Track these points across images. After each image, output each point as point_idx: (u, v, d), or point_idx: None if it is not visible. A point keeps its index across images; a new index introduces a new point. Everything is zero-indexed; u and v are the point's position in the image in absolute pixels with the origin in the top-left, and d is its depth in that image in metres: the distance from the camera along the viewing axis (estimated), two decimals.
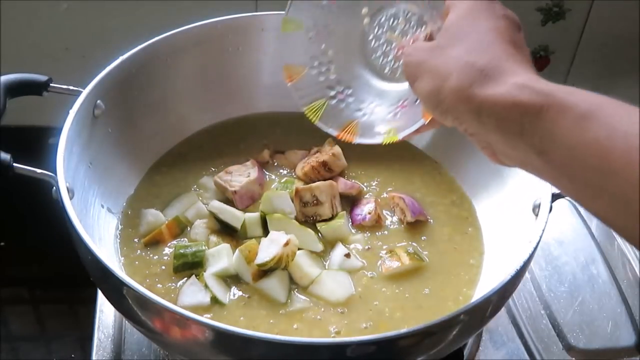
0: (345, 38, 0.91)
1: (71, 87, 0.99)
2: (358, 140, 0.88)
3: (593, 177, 0.57)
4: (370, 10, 0.89)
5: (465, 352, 1.05)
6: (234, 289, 0.94)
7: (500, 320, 1.10)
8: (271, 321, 0.90)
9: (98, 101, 1.00)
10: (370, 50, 0.90)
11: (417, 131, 0.82)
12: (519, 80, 0.62)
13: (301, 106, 0.92)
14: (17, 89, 0.96)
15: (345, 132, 0.89)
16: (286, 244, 0.92)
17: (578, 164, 0.57)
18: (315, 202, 1.02)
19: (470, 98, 0.63)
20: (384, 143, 0.85)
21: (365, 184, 1.10)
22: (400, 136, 0.83)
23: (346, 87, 0.91)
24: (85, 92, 0.98)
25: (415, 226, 1.04)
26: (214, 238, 1.00)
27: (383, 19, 0.88)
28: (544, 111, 0.59)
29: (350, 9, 0.89)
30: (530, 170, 0.64)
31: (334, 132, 0.90)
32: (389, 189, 1.10)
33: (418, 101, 0.82)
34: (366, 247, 1.01)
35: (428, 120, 0.78)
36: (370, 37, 0.89)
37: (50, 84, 0.99)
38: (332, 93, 0.91)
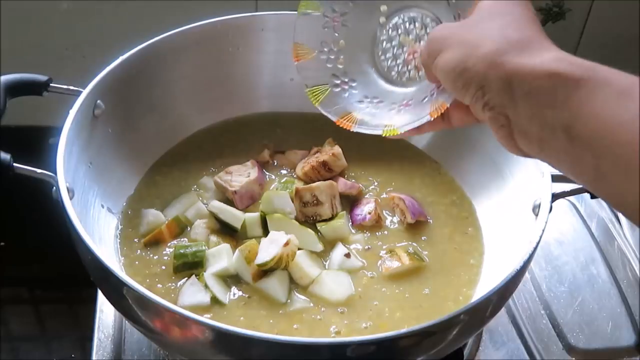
0: (358, 32, 0.90)
1: (71, 87, 0.99)
2: (356, 128, 0.87)
3: (624, 153, 0.56)
4: (389, 9, 0.88)
5: (465, 352, 1.05)
6: (234, 289, 0.94)
7: (500, 320, 1.10)
8: (271, 321, 0.90)
9: (98, 101, 1.00)
10: (380, 51, 0.90)
11: (419, 130, 0.81)
12: (556, 55, 0.62)
13: (304, 86, 0.91)
14: (17, 89, 0.96)
15: (345, 119, 0.88)
16: (286, 244, 0.92)
17: (609, 140, 0.57)
18: (315, 202, 1.02)
19: (502, 65, 0.63)
20: (383, 135, 0.84)
21: (365, 184, 1.10)
22: (400, 130, 0.82)
23: (351, 79, 0.91)
24: (85, 92, 0.98)
25: (415, 226, 1.04)
26: (214, 238, 1.00)
27: (399, 21, 0.87)
28: (582, 84, 0.58)
29: (370, 4, 0.89)
30: (546, 150, 0.63)
31: (333, 117, 0.89)
32: (389, 189, 1.10)
33: (425, 100, 0.81)
34: (366, 247, 1.01)
35: (433, 118, 0.78)
36: (383, 37, 0.89)
37: (50, 84, 0.99)
38: (337, 82, 0.91)
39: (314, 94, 0.90)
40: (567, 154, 0.61)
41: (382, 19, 0.89)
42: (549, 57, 0.62)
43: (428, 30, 0.85)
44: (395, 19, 0.88)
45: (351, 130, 0.87)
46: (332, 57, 0.91)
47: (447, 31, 0.70)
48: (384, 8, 0.88)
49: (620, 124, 0.56)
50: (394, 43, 0.88)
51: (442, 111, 0.77)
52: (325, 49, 0.91)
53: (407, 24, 0.86)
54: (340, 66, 0.91)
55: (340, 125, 0.88)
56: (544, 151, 0.64)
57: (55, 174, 0.87)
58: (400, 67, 0.88)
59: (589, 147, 0.58)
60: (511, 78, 0.62)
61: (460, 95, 0.69)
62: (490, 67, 0.63)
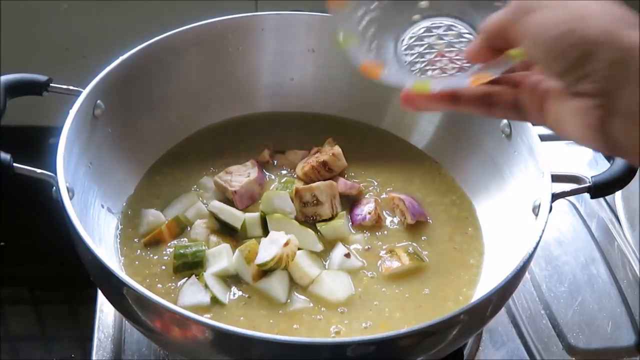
0: (390, 18, 0.84)
1: (71, 87, 0.99)
2: (384, 75, 0.78)
3: None
4: (430, 9, 0.82)
5: (465, 352, 1.05)
6: (234, 289, 0.94)
7: (500, 320, 1.10)
8: (271, 321, 0.90)
9: (98, 101, 1.00)
10: (404, 46, 0.83)
11: (452, 100, 0.74)
12: None
13: (334, 27, 0.83)
14: (17, 89, 0.96)
15: (372, 65, 0.79)
16: (286, 244, 0.92)
17: None
18: (315, 202, 1.02)
19: (620, 36, 0.57)
20: (413, 87, 0.76)
21: (365, 184, 1.10)
22: (434, 88, 0.74)
23: (379, 47, 0.83)
24: (85, 92, 0.98)
25: (415, 226, 1.04)
26: (214, 238, 1.00)
27: (434, 25, 0.82)
28: None
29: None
30: None
31: (360, 59, 0.80)
32: (389, 189, 1.10)
33: (463, 73, 0.76)
34: (366, 247, 1.01)
35: (472, 85, 0.72)
36: (411, 34, 0.83)
37: (50, 84, 0.99)
38: (366, 42, 0.83)
39: (343, 37, 0.81)
40: None
41: (416, 16, 0.84)
42: None
43: (462, 40, 0.81)
44: (429, 22, 0.84)
45: (378, 77, 0.78)
46: (364, 22, 0.83)
47: None
48: (425, 4, 0.83)
49: None
50: (422, 42, 0.84)
51: (485, 81, 0.71)
52: (360, 11, 0.83)
53: (441, 30, 0.83)
54: (371, 30, 0.83)
55: (366, 71, 0.78)
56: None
57: (55, 174, 0.87)
58: (423, 65, 0.84)
59: None
60: (630, 52, 0.57)
61: (551, 60, 0.61)
62: (605, 35, 0.57)
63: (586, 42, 0.58)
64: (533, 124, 0.72)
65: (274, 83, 1.21)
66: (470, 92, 0.73)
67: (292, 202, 1.02)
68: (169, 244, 1.00)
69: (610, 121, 0.59)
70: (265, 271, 0.93)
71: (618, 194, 1.23)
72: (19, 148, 0.89)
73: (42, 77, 0.99)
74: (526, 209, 0.95)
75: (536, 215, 0.92)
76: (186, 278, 0.95)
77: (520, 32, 0.63)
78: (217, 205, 1.02)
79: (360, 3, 0.85)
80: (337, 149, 1.10)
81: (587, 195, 0.95)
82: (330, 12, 0.82)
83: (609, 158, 0.96)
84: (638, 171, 0.95)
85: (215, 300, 0.92)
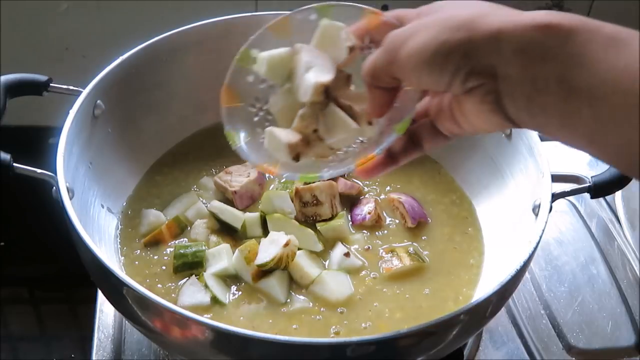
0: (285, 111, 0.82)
1: (71, 87, 0.99)
2: (280, 171, 0.78)
3: (622, 101, 0.54)
4: None
5: (465, 352, 1.05)
6: (234, 289, 0.94)
7: (500, 320, 1.10)
8: (271, 321, 0.90)
9: (98, 101, 1.00)
10: None
11: (369, 173, 0.75)
12: (540, 11, 0.59)
13: (226, 129, 0.81)
14: (17, 89, 0.96)
15: (267, 164, 0.79)
16: (286, 244, 0.92)
17: (607, 89, 0.55)
18: (315, 202, 1.02)
19: (487, 24, 0.59)
20: (300, 180, 0.85)
21: (365, 184, 1.10)
22: (322, 176, 0.76)
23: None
24: (85, 92, 0.98)
25: (415, 226, 1.04)
26: (214, 238, 1.00)
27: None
28: (574, 34, 0.57)
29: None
30: (537, 110, 0.59)
31: (254, 161, 0.80)
32: (389, 189, 1.10)
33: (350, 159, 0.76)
34: (366, 247, 1.01)
35: (356, 168, 0.73)
36: None
37: (50, 84, 0.99)
38: (261, 135, 0.81)
39: (233, 137, 0.81)
40: (561, 109, 0.58)
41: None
42: (533, 13, 0.59)
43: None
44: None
45: (273, 175, 0.84)
46: (260, 114, 0.82)
47: (410, 25, 0.65)
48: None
49: (617, 71, 0.55)
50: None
51: (370, 160, 0.72)
52: (257, 106, 0.83)
53: None
54: (267, 124, 0.82)
55: (261, 170, 0.84)
56: (533, 112, 0.60)
57: (55, 174, 0.87)
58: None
59: (586, 97, 0.56)
60: (499, 34, 0.59)
61: (437, 75, 0.63)
62: (473, 30, 0.60)
63: (460, 44, 0.61)
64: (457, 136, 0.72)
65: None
66: (399, 143, 0.74)
67: (292, 202, 1.02)
68: (169, 244, 1.00)
69: (503, 103, 0.61)
70: (265, 271, 0.93)
71: (618, 194, 1.23)
72: (19, 148, 0.89)
73: (42, 77, 0.99)
74: (526, 209, 0.95)
75: (536, 215, 0.92)
76: (186, 278, 0.95)
77: (400, 67, 0.65)
78: (217, 205, 1.02)
79: (256, 100, 0.82)
80: None
81: (587, 195, 0.95)
82: (223, 110, 0.80)
83: None
84: None
85: (215, 300, 0.92)
